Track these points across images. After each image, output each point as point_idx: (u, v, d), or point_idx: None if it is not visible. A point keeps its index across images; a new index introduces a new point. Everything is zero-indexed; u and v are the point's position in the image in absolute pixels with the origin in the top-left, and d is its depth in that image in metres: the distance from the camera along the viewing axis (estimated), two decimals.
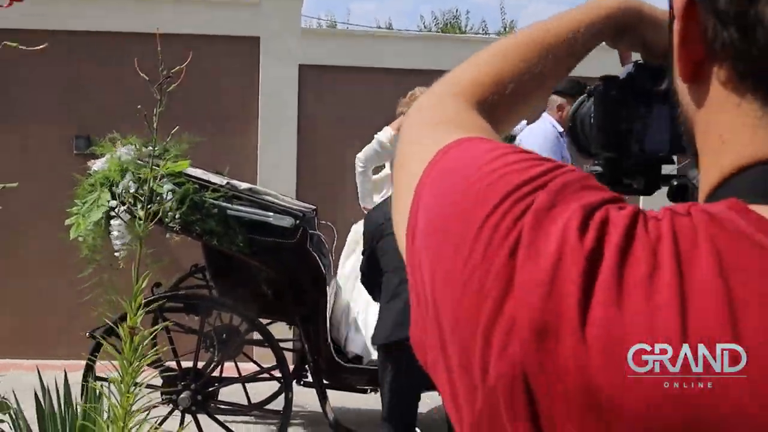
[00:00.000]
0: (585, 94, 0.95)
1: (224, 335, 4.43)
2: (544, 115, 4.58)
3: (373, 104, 6.10)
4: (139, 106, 2.26)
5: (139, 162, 3.95)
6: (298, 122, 6.16)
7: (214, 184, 3.91)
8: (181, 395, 3.86)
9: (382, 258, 3.26)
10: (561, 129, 4.44)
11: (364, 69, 6.20)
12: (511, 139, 4.52)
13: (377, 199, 4.59)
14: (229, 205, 3.87)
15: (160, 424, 3.01)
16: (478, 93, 0.74)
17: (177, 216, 3.78)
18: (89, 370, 3.83)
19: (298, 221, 3.89)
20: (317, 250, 4.15)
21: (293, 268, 3.97)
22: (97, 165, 4.20)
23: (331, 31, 6.40)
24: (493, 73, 0.75)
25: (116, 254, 3.91)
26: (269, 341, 3.94)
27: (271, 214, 3.89)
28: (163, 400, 4.10)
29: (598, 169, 0.92)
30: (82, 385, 3.60)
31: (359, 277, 4.53)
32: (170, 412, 3.89)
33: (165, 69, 2.13)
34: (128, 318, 1.92)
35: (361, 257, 3.54)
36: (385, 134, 4.57)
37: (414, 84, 6.06)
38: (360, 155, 4.63)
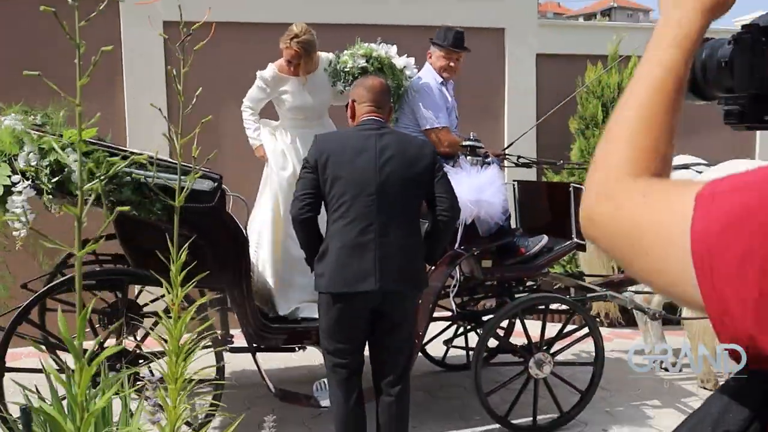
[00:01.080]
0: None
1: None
2: (428, 66, 4.72)
3: (245, 60, 5.97)
4: (171, 68, 2.11)
5: (33, 132, 3.64)
6: (167, 82, 5.88)
7: (125, 150, 3.71)
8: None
9: (336, 197, 3.22)
10: (441, 78, 4.63)
11: (233, 24, 6.02)
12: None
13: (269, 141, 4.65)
14: (144, 172, 3.68)
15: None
16: (652, 168, 0.87)
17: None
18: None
19: (216, 184, 3.79)
20: None
21: (214, 233, 3.87)
22: None
23: None
24: (654, 148, 0.88)
25: (15, 234, 3.61)
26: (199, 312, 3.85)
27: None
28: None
29: None
30: None
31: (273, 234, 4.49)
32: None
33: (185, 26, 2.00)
34: (172, 295, 1.83)
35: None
36: (268, 71, 4.62)
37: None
38: (245, 99, 4.72)
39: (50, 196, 3.59)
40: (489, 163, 4.11)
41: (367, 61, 4.50)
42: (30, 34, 5.64)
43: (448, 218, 3.33)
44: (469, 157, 4.09)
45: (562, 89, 6.58)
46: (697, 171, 4.84)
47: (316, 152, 3.30)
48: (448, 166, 4.10)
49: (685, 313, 4.69)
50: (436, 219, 3.36)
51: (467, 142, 4.18)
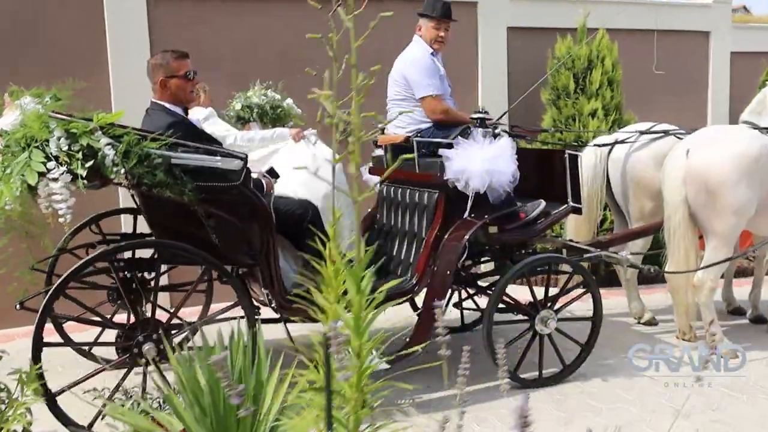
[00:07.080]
0: None
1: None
2: (417, 39, 4.92)
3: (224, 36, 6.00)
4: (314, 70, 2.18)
5: (62, 117, 3.65)
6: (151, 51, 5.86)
7: (151, 132, 3.75)
8: (145, 346, 3.81)
9: None
10: (431, 49, 4.83)
11: None
12: None
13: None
14: (173, 154, 3.74)
15: None
16: None
17: (123, 170, 3.59)
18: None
19: (243, 162, 3.88)
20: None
21: (240, 209, 3.96)
22: (1, 123, 3.80)
23: None
24: None
25: (61, 219, 3.67)
26: (238, 289, 3.97)
27: (219, 158, 3.83)
28: (119, 355, 4.00)
29: None
30: None
31: None
32: (130, 368, 3.84)
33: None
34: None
35: None
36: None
37: (250, 13, 6.04)
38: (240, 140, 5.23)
39: (85, 181, 3.61)
40: (499, 134, 4.32)
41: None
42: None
43: None
44: (480, 129, 4.30)
45: (532, 61, 6.87)
46: (677, 137, 5.18)
47: None
48: (461, 138, 4.31)
49: (668, 267, 5.05)
50: None
51: (476, 115, 4.39)
